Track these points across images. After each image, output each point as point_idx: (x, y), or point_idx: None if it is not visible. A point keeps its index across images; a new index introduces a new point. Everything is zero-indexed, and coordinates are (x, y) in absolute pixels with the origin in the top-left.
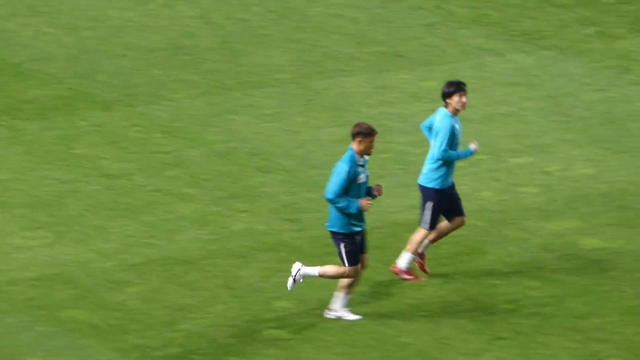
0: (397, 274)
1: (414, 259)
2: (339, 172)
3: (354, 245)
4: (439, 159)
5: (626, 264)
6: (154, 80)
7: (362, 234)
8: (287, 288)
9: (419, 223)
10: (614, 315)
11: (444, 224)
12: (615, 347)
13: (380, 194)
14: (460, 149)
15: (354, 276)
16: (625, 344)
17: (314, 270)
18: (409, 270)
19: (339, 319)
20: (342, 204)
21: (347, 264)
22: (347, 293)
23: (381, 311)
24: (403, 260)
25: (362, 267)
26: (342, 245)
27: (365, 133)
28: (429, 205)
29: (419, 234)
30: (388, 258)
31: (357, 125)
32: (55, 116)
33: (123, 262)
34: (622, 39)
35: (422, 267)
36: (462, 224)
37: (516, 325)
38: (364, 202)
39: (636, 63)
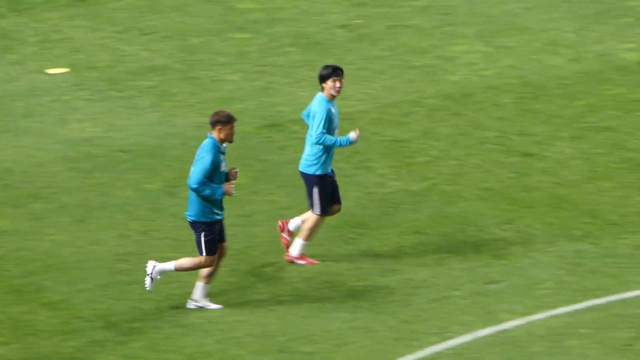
0: (291, 261)
1: (305, 245)
2: (203, 161)
3: (213, 234)
4: (316, 143)
5: (10, 244)
6: None
7: (221, 222)
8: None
9: (310, 209)
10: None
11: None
12: (0, 327)
13: (235, 178)
14: (337, 134)
15: (210, 265)
16: (10, 323)
17: (170, 265)
18: (301, 256)
19: (201, 308)
20: (206, 191)
21: (204, 253)
22: (207, 282)
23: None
24: (295, 248)
25: (223, 255)
26: (202, 235)
27: (224, 121)
28: (315, 190)
29: (312, 220)
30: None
31: (215, 113)
32: None
33: None
34: (2, 17)
35: (287, 246)
36: (337, 211)
37: None
38: (227, 186)
39: (16, 42)
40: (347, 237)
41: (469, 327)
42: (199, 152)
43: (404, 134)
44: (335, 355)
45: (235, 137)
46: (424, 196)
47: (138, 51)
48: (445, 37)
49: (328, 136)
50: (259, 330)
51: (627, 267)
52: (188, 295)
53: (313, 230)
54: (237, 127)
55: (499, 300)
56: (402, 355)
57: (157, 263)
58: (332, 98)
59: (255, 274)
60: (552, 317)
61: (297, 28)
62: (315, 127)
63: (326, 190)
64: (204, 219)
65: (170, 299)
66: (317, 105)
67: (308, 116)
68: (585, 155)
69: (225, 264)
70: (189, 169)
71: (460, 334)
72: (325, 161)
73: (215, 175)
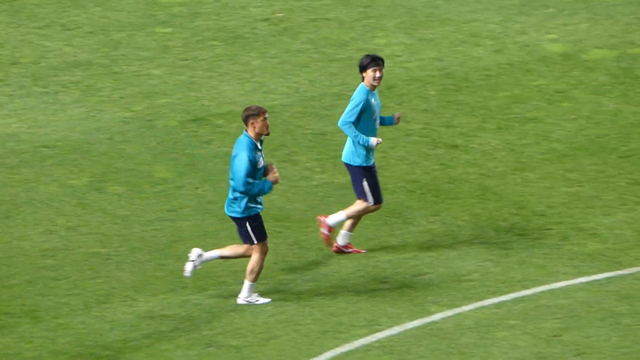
0: (340, 251)
1: (350, 236)
2: (241, 162)
3: (258, 221)
4: (339, 124)
5: None
6: None
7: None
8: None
9: (362, 200)
10: None
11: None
12: None
13: (272, 172)
14: (378, 124)
15: (265, 252)
16: None
17: (214, 254)
18: (347, 245)
19: (250, 304)
20: (255, 190)
21: (255, 241)
22: (254, 280)
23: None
24: (342, 239)
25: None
26: (247, 224)
27: (255, 114)
28: (365, 184)
29: (360, 207)
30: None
31: (245, 110)
32: None
33: None
34: None
35: (327, 240)
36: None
37: None
38: (272, 177)
39: None
40: (273, 231)
41: (397, 320)
42: (234, 150)
43: (329, 126)
44: (262, 348)
45: (160, 132)
46: (349, 189)
47: (61, 46)
48: (366, 30)
49: (353, 127)
50: (186, 325)
51: (553, 257)
52: (115, 290)
53: (357, 221)
54: (163, 121)
55: (427, 292)
56: (330, 348)
57: (203, 252)
58: (373, 88)
59: (181, 268)
60: (480, 308)
61: (219, 22)
62: (346, 112)
63: (375, 180)
64: (246, 214)
65: (97, 294)
66: (356, 93)
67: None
68: (510, 147)
69: (152, 258)
70: (115, 164)
71: (388, 326)
72: (367, 153)
73: (255, 172)
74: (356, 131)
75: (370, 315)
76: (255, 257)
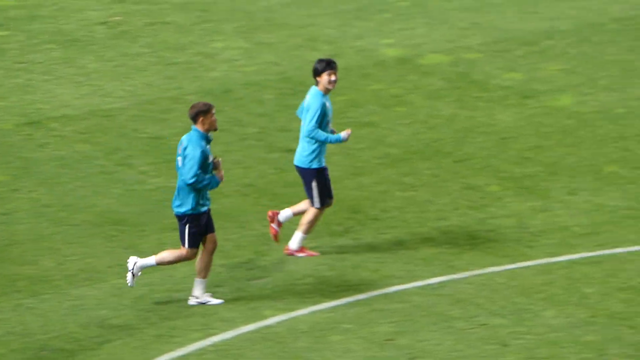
0: (291, 254)
1: (305, 239)
2: (193, 154)
3: (198, 227)
4: (307, 136)
5: None
6: None
7: (208, 213)
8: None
9: (309, 203)
10: None
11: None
12: None
13: (219, 168)
14: (331, 128)
15: (192, 258)
16: None
17: (151, 260)
18: (301, 249)
19: (202, 304)
20: (204, 182)
21: (187, 245)
22: (204, 277)
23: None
24: (295, 242)
25: (214, 245)
26: (187, 227)
27: (204, 110)
28: (314, 184)
29: (311, 213)
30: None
31: (192, 106)
32: None
33: None
34: None
35: (275, 236)
36: (330, 204)
37: None
38: (219, 173)
39: None
40: (108, 234)
41: (232, 324)
42: (185, 145)
43: (164, 130)
44: (96, 352)
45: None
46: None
47: None
48: (204, 34)
49: (320, 131)
50: (19, 329)
51: (388, 262)
52: None
53: (312, 223)
54: None
55: (262, 296)
56: (165, 352)
57: (139, 259)
58: (326, 92)
59: (15, 271)
60: (314, 312)
61: (56, 25)
62: (308, 121)
63: (324, 184)
64: (190, 211)
65: None
66: (312, 99)
67: (302, 111)
68: (346, 151)
69: None
70: None
71: (223, 330)
72: (320, 154)
73: (205, 165)
74: (324, 133)
75: (205, 319)
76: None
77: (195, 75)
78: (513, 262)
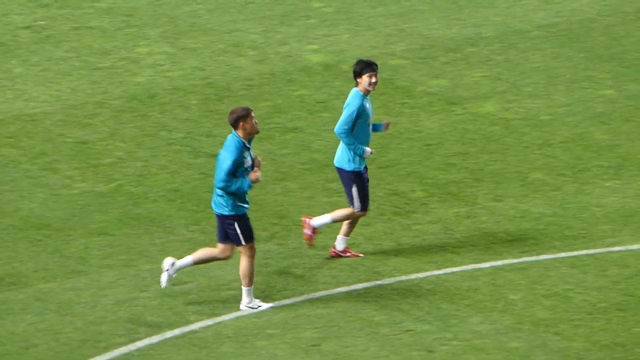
0: (337, 255)
1: (347, 240)
2: (225, 161)
3: (246, 221)
4: (336, 132)
5: None
6: None
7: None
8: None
9: (350, 206)
10: None
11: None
12: None
13: (259, 166)
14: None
15: (253, 252)
16: None
17: (188, 260)
18: (345, 250)
19: (253, 310)
20: (233, 187)
21: (243, 242)
22: (249, 284)
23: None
24: (340, 244)
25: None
26: (236, 225)
27: (244, 115)
28: (354, 189)
29: (347, 212)
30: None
31: (231, 112)
32: None
33: None
34: None
35: (309, 240)
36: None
37: None
38: (253, 175)
39: None
40: (33, 239)
41: (157, 329)
42: (223, 148)
43: (90, 135)
44: (21, 357)
45: None
46: (110, 197)
47: None
48: (129, 39)
49: (349, 134)
50: None
51: (313, 267)
52: None
53: (353, 225)
54: None
55: (187, 301)
56: (89, 357)
57: (176, 260)
58: (367, 93)
59: None
60: (239, 317)
61: None
62: (342, 119)
63: (365, 186)
64: (233, 212)
65: None
66: (351, 99)
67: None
68: (272, 156)
69: None
70: None
71: (148, 335)
72: (362, 158)
73: (238, 172)
74: (352, 139)
75: (130, 324)
76: (243, 262)
77: (120, 80)
78: (438, 268)
